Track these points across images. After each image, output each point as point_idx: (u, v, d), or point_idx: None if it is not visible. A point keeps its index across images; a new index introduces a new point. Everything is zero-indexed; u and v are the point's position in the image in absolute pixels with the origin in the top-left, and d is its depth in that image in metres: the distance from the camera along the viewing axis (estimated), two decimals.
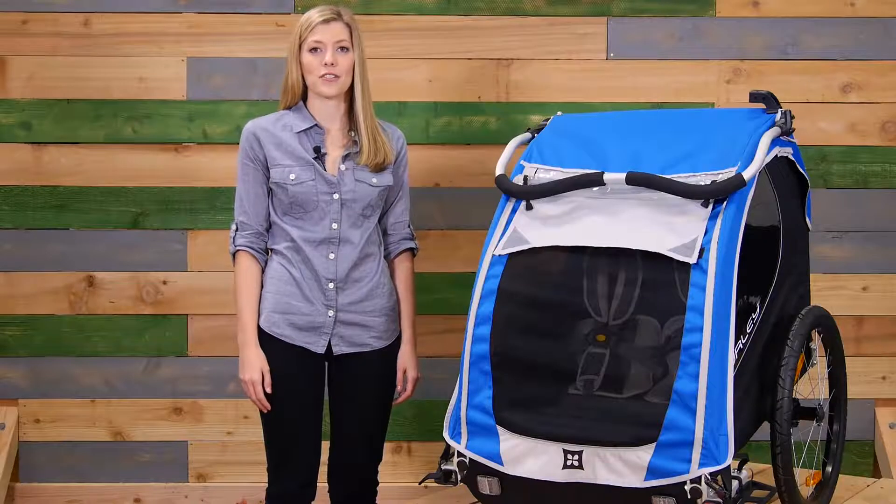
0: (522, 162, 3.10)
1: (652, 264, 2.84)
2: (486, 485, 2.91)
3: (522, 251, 2.94)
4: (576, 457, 2.80)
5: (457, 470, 2.94)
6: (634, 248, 2.84)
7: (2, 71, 4.13)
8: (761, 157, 2.86)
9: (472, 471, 2.92)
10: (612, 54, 4.13)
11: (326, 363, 3.31)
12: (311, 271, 3.25)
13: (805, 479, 3.14)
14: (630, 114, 3.44)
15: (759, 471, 3.33)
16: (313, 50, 3.21)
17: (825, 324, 3.21)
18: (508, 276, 2.93)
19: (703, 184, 2.84)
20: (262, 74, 4.13)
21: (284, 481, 3.30)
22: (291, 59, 3.25)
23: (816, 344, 3.23)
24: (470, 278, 3.03)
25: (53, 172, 4.15)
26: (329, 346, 3.27)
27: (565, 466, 2.81)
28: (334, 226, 3.25)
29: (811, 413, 3.13)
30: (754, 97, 3.08)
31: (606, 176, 2.90)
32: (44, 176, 4.15)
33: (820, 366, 3.24)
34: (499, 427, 2.88)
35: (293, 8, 4.12)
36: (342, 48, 3.22)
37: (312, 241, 3.24)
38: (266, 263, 3.30)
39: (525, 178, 3.04)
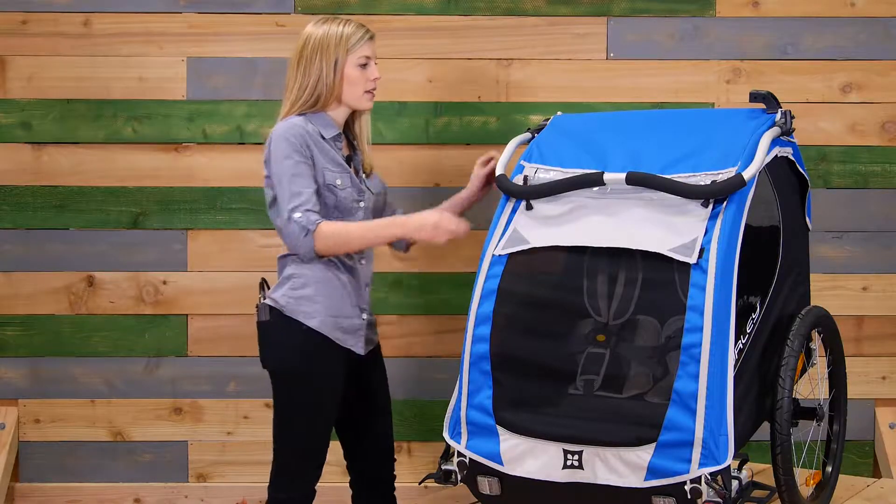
0: (522, 162, 3.10)
1: (652, 264, 2.84)
2: (486, 485, 2.91)
3: (522, 251, 2.94)
4: (576, 457, 2.80)
5: (457, 470, 2.94)
6: (634, 248, 2.84)
7: (2, 71, 4.13)
8: (761, 157, 2.86)
9: (472, 471, 2.92)
10: (612, 54, 4.13)
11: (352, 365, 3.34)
12: (353, 276, 3.28)
13: (805, 479, 3.14)
14: (630, 114, 3.45)
15: (759, 471, 3.33)
16: (362, 65, 3.26)
17: (825, 324, 3.21)
18: (508, 276, 2.93)
19: (703, 184, 2.84)
20: (262, 74, 4.13)
21: (302, 484, 3.28)
22: (327, 68, 3.22)
23: (816, 344, 3.23)
24: (470, 278, 3.03)
25: (53, 172, 4.15)
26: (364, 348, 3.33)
27: (565, 466, 2.81)
28: None
29: (811, 413, 3.13)
30: (754, 97, 3.08)
31: (606, 176, 2.90)
32: (44, 176, 4.15)
33: (820, 366, 3.24)
34: (499, 427, 2.88)
35: (293, 8, 4.12)
36: (376, 64, 3.31)
37: None
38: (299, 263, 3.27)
39: (525, 178, 3.04)
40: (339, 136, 3.27)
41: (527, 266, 2.95)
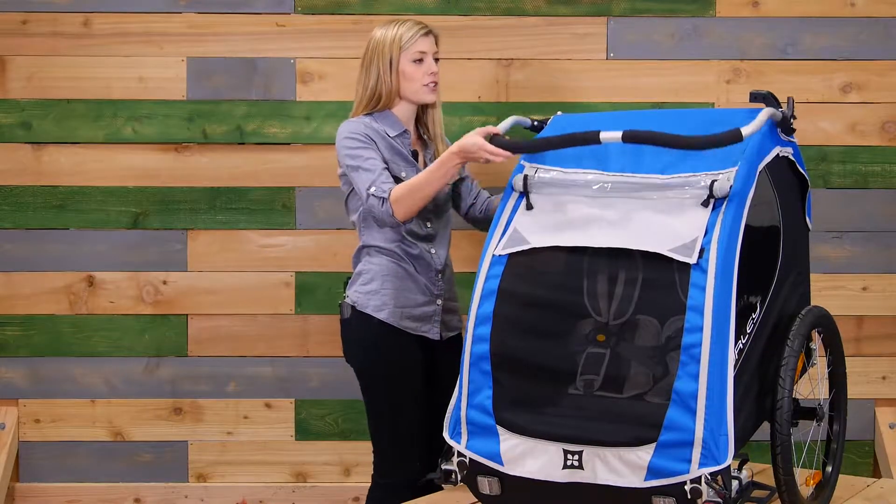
0: (522, 162, 3.10)
1: (652, 264, 2.83)
2: (486, 485, 2.91)
3: (523, 251, 2.94)
4: (576, 457, 2.80)
5: (457, 470, 2.94)
6: (634, 248, 2.84)
7: (2, 71, 4.13)
8: (759, 122, 2.88)
9: (472, 471, 2.92)
10: (612, 54, 4.13)
11: (433, 350, 3.48)
12: (421, 265, 3.44)
13: (805, 479, 3.14)
14: (630, 114, 3.44)
15: (759, 471, 3.32)
16: (417, 60, 3.41)
17: (825, 324, 3.21)
18: (509, 277, 2.93)
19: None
20: (262, 74, 4.13)
21: (403, 469, 3.40)
22: (384, 67, 3.40)
23: (816, 344, 3.22)
24: (470, 278, 3.04)
25: (53, 172, 4.15)
26: (440, 333, 3.48)
27: (565, 466, 2.81)
28: (429, 224, 3.46)
29: (811, 413, 3.13)
30: (754, 97, 3.08)
31: (603, 135, 2.90)
32: (44, 176, 4.15)
33: (820, 366, 3.23)
34: (499, 427, 2.88)
35: (293, 8, 4.12)
36: (435, 59, 3.46)
37: (418, 236, 3.43)
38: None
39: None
40: (405, 133, 3.45)
41: (527, 266, 2.95)
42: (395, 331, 3.39)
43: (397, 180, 3.36)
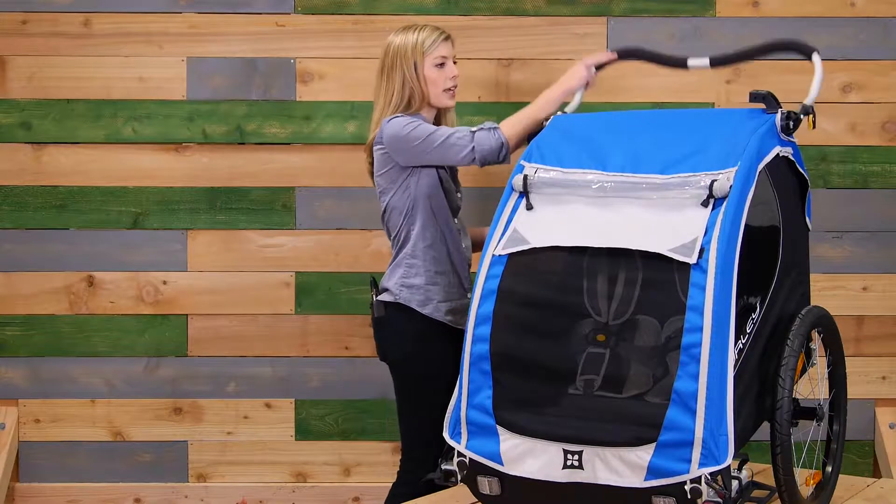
0: (522, 162, 3.10)
1: (652, 264, 2.84)
2: (486, 485, 2.91)
3: (522, 251, 2.94)
4: (576, 457, 2.80)
5: (457, 470, 2.94)
6: (634, 248, 2.84)
7: (2, 71, 4.13)
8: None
9: (472, 471, 2.92)
10: None
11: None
12: (461, 258, 3.46)
13: (805, 479, 3.14)
14: (630, 114, 3.44)
15: (759, 471, 3.33)
16: (440, 65, 3.44)
17: (825, 324, 3.21)
18: (508, 277, 2.93)
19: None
20: (262, 74, 4.13)
21: (430, 468, 3.32)
22: (409, 72, 3.42)
23: (816, 344, 3.22)
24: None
25: (53, 172, 4.15)
26: None
27: (565, 466, 2.81)
28: (456, 220, 3.49)
29: (811, 413, 3.13)
30: (754, 97, 3.09)
31: (690, 62, 3.42)
32: (44, 176, 4.15)
33: (820, 366, 3.23)
34: (499, 427, 2.88)
35: (293, 8, 4.12)
36: (454, 63, 3.50)
37: (458, 231, 3.47)
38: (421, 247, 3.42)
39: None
40: None
41: (527, 266, 2.95)
42: (438, 325, 3.39)
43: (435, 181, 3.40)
